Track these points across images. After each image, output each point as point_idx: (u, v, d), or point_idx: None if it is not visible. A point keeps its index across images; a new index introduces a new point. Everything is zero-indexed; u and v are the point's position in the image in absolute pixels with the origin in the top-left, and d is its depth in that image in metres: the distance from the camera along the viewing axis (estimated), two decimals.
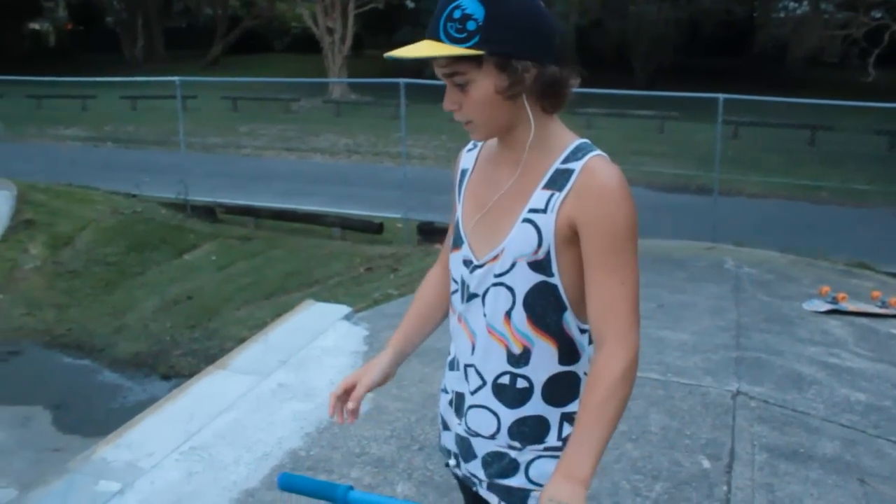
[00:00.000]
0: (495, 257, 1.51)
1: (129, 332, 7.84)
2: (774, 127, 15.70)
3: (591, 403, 1.39)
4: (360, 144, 16.32)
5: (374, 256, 8.97)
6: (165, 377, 7.07)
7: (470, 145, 1.67)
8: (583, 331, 1.54)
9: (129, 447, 3.41)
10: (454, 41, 1.38)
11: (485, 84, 1.41)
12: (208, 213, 10.73)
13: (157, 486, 3.14)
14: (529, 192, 1.47)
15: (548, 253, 1.46)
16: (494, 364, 1.55)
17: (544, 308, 1.50)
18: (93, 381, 7.22)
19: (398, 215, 10.05)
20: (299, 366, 4.01)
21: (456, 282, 1.61)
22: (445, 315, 1.72)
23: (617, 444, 3.51)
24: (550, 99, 1.46)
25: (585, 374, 1.54)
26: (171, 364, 7.21)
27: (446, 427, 1.70)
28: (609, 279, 1.41)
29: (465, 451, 1.63)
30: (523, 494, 1.56)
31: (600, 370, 1.40)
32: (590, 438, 1.37)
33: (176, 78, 11.33)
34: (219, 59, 31.61)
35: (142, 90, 19.56)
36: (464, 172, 1.66)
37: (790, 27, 25.97)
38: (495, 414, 1.56)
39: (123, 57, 32.41)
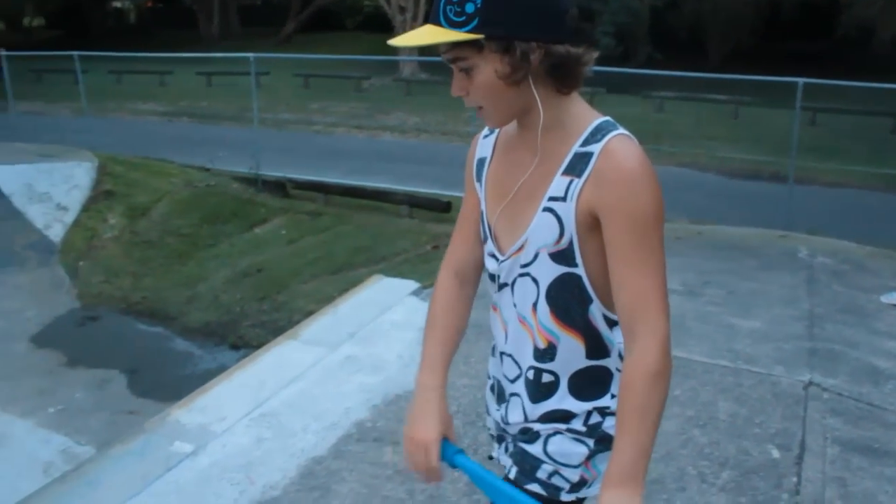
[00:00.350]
0: (520, 248, 1.45)
1: (200, 302, 8.04)
2: (855, 114, 15.16)
3: (632, 405, 1.33)
4: (429, 123, 16.35)
5: (441, 234, 9.00)
6: (234, 347, 7.24)
7: (486, 131, 1.59)
8: (611, 323, 1.46)
9: (202, 411, 3.53)
10: (453, 25, 1.30)
11: (487, 69, 1.33)
12: (279, 188, 10.90)
13: (228, 450, 3.24)
14: (549, 179, 1.40)
15: (570, 242, 1.39)
16: (525, 355, 1.52)
17: (568, 301, 1.44)
18: (165, 348, 7.45)
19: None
20: (368, 339, 4.07)
21: (488, 271, 1.57)
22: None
23: (684, 430, 3.48)
24: (562, 79, 1.36)
25: (618, 370, 1.48)
26: (240, 334, 7.38)
27: (488, 412, 1.70)
28: (635, 271, 1.34)
29: (498, 435, 1.64)
30: (535, 463, 1.51)
31: (635, 368, 1.34)
32: (636, 441, 1.31)
33: (250, 54, 11.50)
34: (292, 36, 31.98)
35: (217, 66, 19.92)
36: (481, 162, 1.58)
37: (878, 8, 24.94)
38: (523, 406, 1.53)
39: (200, 34, 33.05)
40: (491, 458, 1.69)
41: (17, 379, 6.86)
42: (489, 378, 1.68)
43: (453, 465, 1.48)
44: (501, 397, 1.60)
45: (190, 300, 8.09)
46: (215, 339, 7.47)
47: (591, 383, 1.49)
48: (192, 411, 3.52)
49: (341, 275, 8.26)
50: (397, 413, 3.54)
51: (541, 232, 1.41)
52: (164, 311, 7.99)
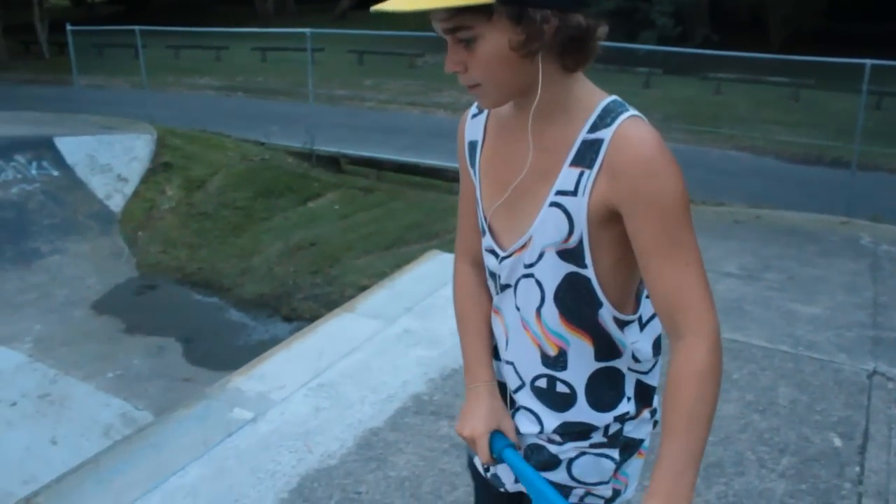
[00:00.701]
0: (523, 246, 1.32)
1: (254, 274, 8.16)
2: None
3: (680, 410, 1.19)
4: None
5: None
6: (287, 319, 7.34)
7: (474, 110, 1.44)
8: (622, 324, 1.33)
9: (262, 379, 3.58)
10: None
11: (495, 40, 1.16)
12: (332, 163, 10.98)
13: (286, 418, 3.29)
14: (555, 170, 1.25)
15: (580, 241, 1.25)
16: (529, 364, 1.39)
17: (577, 302, 1.31)
18: (220, 318, 7.59)
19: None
20: (424, 313, 4.09)
21: (487, 268, 1.44)
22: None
23: (743, 414, 3.43)
24: (573, 55, 1.21)
25: (630, 369, 1.38)
26: (293, 307, 7.47)
27: None
28: (669, 265, 1.20)
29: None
30: (565, 491, 1.40)
31: (681, 369, 1.20)
32: (684, 449, 1.17)
33: (307, 30, 11.54)
34: (346, 13, 32.02)
35: (272, 42, 20.07)
36: (473, 145, 1.43)
37: None
38: (537, 416, 1.40)
39: (255, 10, 33.29)
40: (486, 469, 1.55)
41: (78, 344, 7.05)
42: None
43: (500, 460, 1.41)
44: (510, 404, 1.47)
45: (244, 272, 8.22)
46: (268, 310, 7.59)
47: (606, 388, 1.37)
48: (252, 379, 3.58)
49: (393, 251, 8.30)
50: (454, 387, 3.56)
51: (547, 229, 1.27)
52: (218, 282, 8.14)
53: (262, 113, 13.87)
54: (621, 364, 1.37)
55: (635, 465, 1.45)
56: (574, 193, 1.24)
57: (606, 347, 1.35)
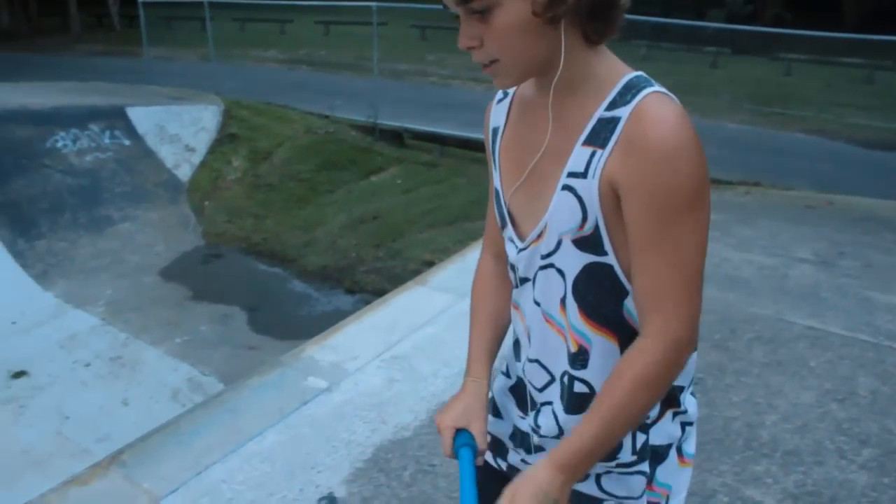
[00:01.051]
0: (539, 235, 1.22)
1: (317, 246, 8.25)
2: None
3: (607, 401, 1.16)
4: None
5: None
6: (350, 291, 7.41)
7: (500, 95, 1.34)
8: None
9: (335, 350, 3.63)
10: None
11: (514, 6, 1.06)
12: (395, 137, 11.01)
13: (360, 389, 3.33)
14: (569, 150, 1.16)
15: (596, 227, 1.15)
16: (558, 359, 1.30)
17: (598, 296, 1.21)
18: (283, 289, 7.70)
19: None
20: None
21: (508, 260, 1.35)
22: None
23: (821, 402, 3.36)
24: (598, 23, 1.11)
25: None
26: (356, 280, 7.54)
27: (497, 414, 1.46)
28: (655, 258, 1.11)
29: (528, 444, 1.41)
30: (595, 502, 1.33)
31: (629, 365, 1.15)
32: (591, 434, 1.16)
33: (373, 3, 11.55)
34: None
35: (335, 16, 20.15)
36: (495, 132, 1.34)
37: None
38: (556, 416, 1.32)
39: None
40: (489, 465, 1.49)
41: (148, 309, 7.23)
42: (507, 377, 1.45)
43: (455, 456, 1.36)
44: (531, 405, 1.39)
45: (308, 243, 8.31)
46: (331, 282, 7.67)
47: None
48: (325, 349, 3.63)
49: (456, 226, 8.30)
50: None
51: (561, 215, 1.17)
52: (282, 252, 8.25)
53: (326, 86, 13.96)
54: None
55: (676, 474, 1.34)
56: (584, 175, 1.13)
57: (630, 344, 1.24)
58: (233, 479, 2.77)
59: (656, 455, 1.29)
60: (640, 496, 1.30)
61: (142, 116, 9.76)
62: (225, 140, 10.14)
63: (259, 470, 2.81)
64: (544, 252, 1.23)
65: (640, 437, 1.27)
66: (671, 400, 1.30)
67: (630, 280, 1.17)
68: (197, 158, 9.75)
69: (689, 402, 1.34)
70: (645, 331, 1.15)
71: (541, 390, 1.34)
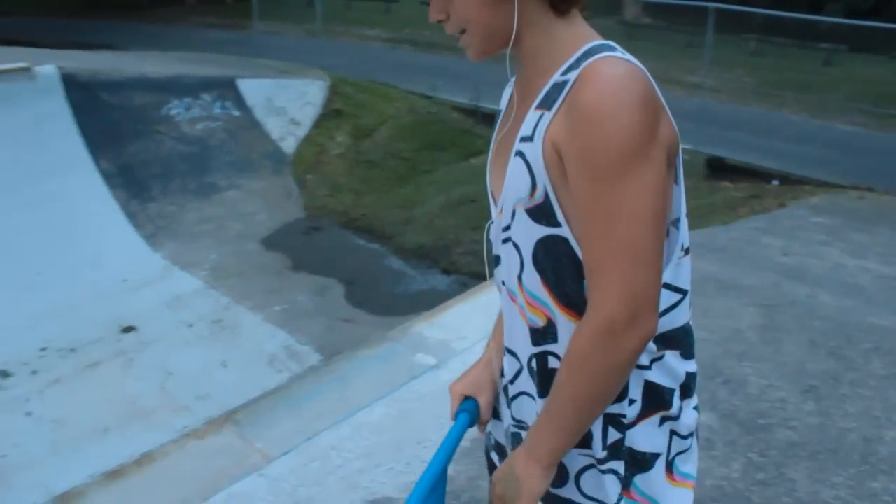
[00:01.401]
0: (502, 208, 1.19)
1: (415, 225, 8.33)
2: None
3: (554, 382, 1.14)
4: (650, 70, 15.67)
5: None
6: (446, 272, 7.46)
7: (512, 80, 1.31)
8: None
9: (443, 328, 3.66)
10: None
11: None
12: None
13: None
14: (524, 117, 1.14)
15: (546, 194, 1.10)
16: (522, 341, 1.25)
17: (559, 273, 1.14)
18: (380, 265, 7.81)
19: (688, 146, 9.73)
20: None
21: None
22: None
23: None
24: None
25: (637, 366, 1.19)
26: (452, 260, 7.58)
27: (497, 416, 1.45)
28: (589, 229, 1.05)
29: (515, 445, 1.36)
30: None
31: (570, 341, 1.11)
32: (549, 418, 1.14)
33: None
34: None
35: None
36: (499, 114, 1.34)
37: None
38: (534, 399, 1.27)
39: None
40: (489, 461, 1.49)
41: (249, 276, 7.45)
42: (502, 375, 1.40)
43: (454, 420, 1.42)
44: (508, 400, 1.36)
45: (406, 221, 8.40)
46: (427, 262, 7.73)
47: None
48: (434, 327, 3.67)
49: None
50: None
51: (513, 182, 1.14)
52: (381, 229, 8.36)
53: (429, 67, 14.00)
54: None
55: (665, 490, 1.24)
56: (531, 139, 1.10)
57: None
58: (342, 447, 2.83)
59: (637, 461, 1.21)
60: (617, 501, 1.21)
61: (251, 88, 10.02)
62: (330, 115, 10.31)
63: (368, 440, 2.87)
64: (503, 225, 1.19)
65: (613, 434, 1.19)
66: (658, 401, 1.20)
67: None
68: (302, 132, 9.96)
69: (685, 412, 1.24)
70: (588, 304, 1.09)
71: (512, 381, 1.30)
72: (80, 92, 8.58)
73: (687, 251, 1.22)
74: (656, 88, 1.08)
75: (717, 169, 9.09)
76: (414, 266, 7.70)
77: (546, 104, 1.09)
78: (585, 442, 1.21)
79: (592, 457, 1.22)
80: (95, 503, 2.52)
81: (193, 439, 2.85)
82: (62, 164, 8.18)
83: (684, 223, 1.20)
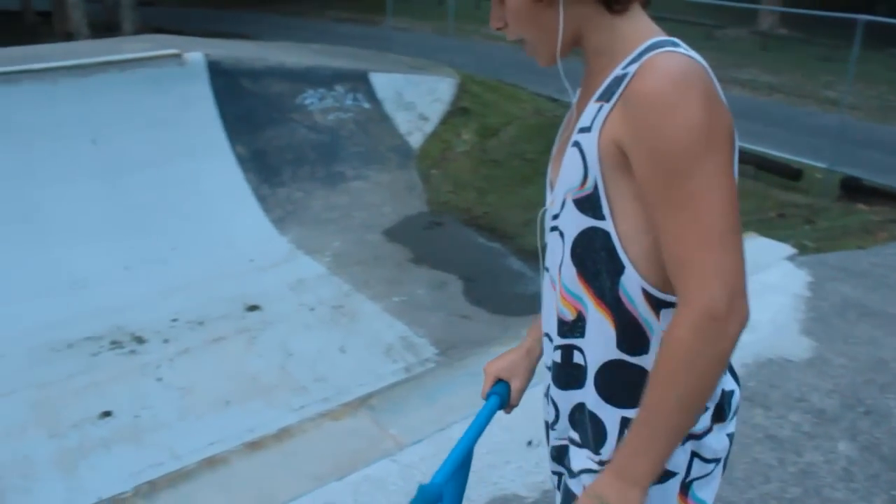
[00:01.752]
0: (554, 197, 1.20)
1: (535, 227, 8.27)
2: None
3: (652, 384, 1.07)
4: (784, 83, 15.24)
5: (788, 203, 8.45)
6: None
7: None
8: (657, 304, 1.12)
9: None
10: None
11: None
12: None
13: None
14: (585, 109, 1.14)
15: (595, 186, 1.10)
16: (555, 330, 1.26)
17: (596, 265, 1.14)
18: (500, 264, 7.82)
19: (821, 164, 9.32)
20: None
21: None
22: None
23: None
24: None
25: None
26: None
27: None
28: (672, 220, 1.03)
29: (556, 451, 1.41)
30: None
31: (660, 348, 1.07)
32: (648, 427, 1.07)
33: None
34: None
35: None
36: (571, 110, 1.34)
37: None
38: (552, 400, 1.30)
39: None
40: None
41: (370, 265, 7.61)
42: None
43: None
44: (546, 395, 1.38)
45: (527, 223, 8.37)
46: None
47: (620, 384, 1.18)
48: None
49: None
50: (769, 378, 3.39)
51: (567, 171, 1.14)
52: (502, 228, 8.37)
53: (556, 70, 13.92)
54: (647, 362, 1.16)
55: None
56: (589, 129, 1.10)
57: (632, 334, 1.15)
58: None
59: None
60: None
61: (383, 82, 10.21)
62: (457, 113, 10.40)
63: (498, 437, 2.87)
64: (553, 213, 1.20)
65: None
66: None
67: (631, 254, 1.11)
68: (429, 127, 10.08)
69: (715, 434, 1.19)
70: (678, 301, 1.06)
71: (549, 368, 1.31)
72: (222, 78, 8.96)
73: None
74: (716, 82, 1.07)
75: (852, 190, 8.70)
76: (534, 268, 7.67)
77: (605, 96, 1.10)
78: (597, 442, 1.20)
79: (599, 460, 1.20)
80: (237, 469, 2.62)
81: (329, 420, 2.93)
82: (201, 147, 8.57)
83: None
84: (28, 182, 7.65)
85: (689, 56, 1.05)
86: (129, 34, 14.62)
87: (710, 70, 1.06)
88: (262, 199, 8.42)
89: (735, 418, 1.26)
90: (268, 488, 2.30)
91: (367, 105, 9.84)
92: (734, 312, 1.02)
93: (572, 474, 1.26)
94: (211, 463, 2.70)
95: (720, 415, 1.20)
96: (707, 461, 1.20)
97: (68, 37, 14.67)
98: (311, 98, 9.47)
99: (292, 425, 2.91)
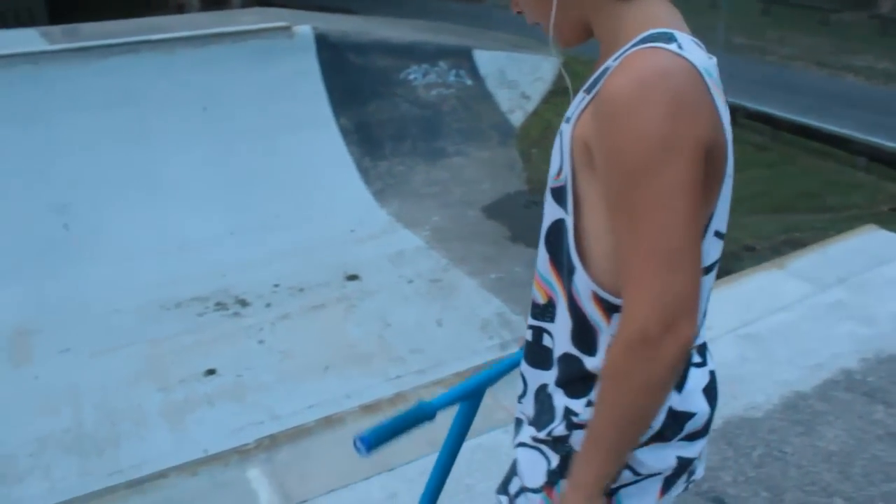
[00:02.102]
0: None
1: None
2: None
3: (597, 401, 1.04)
4: None
5: None
6: None
7: None
8: (609, 308, 1.07)
9: None
10: None
11: None
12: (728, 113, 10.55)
13: (714, 359, 3.27)
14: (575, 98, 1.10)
15: (566, 177, 1.06)
16: (530, 310, 1.24)
17: (566, 255, 1.10)
18: None
19: None
20: (859, 288, 3.80)
21: None
22: None
23: None
24: None
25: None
26: None
27: None
28: (621, 227, 0.97)
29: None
30: (510, 474, 1.28)
31: (605, 358, 1.03)
32: (590, 439, 1.06)
33: None
34: None
35: None
36: None
37: None
38: (523, 377, 1.26)
39: None
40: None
41: (468, 241, 7.65)
42: None
43: None
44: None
45: None
46: None
47: (574, 378, 1.14)
48: None
49: (781, 216, 7.84)
50: (890, 373, 3.27)
51: (552, 160, 1.11)
52: None
53: None
54: (593, 365, 1.11)
55: None
56: (569, 120, 1.07)
57: (583, 333, 1.11)
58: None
59: (569, 467, 1.14)
60: (539, 490, 1.18)
61: (486, 60, 10.21)
62: (559, 92, 10.31)
63: None
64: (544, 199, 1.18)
65: (562, 428, 1.14)
66: None
67: (582, 253, 1.07)
68: (530, 106, 10.04)
69: (654, 451, 1.13)
70: (620, 317, 1.01)
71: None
72: (329, 52, 9.12)
73: (707, 269, 1.11)
74: (710, 87, 0.99)
75: None
76: None
77: (590, 88, 1.06)
78: (545, 421, 1.18)
79: (533, 437, 1.19)
80: (353, 429, 2.70)
81: (443, 387, 2.98)
82: (307, 118, 8.77)
83: (713, 241, 1.10)
84: (144, 147, 7.99)
85: (677, 55, 0.97)
86: (237, 7, 15.00)
87: (705, 73, 0.99)
88: (363, 172, 8.56)
89: (702, 441, 1.20)
90: (385, 450, 2.38)
91: (469, 82, 9.86)
92: (671, 335, 0.95)
93: (514, 445, 1.27)
94: (329, 422, 2.79)
95: (662, 435, 1.14)
96: (641, 478, 1.17)
97: (180, 9, 15.16)
98: (414, 73, 9.55)
99: (407, 390, 2.98)
